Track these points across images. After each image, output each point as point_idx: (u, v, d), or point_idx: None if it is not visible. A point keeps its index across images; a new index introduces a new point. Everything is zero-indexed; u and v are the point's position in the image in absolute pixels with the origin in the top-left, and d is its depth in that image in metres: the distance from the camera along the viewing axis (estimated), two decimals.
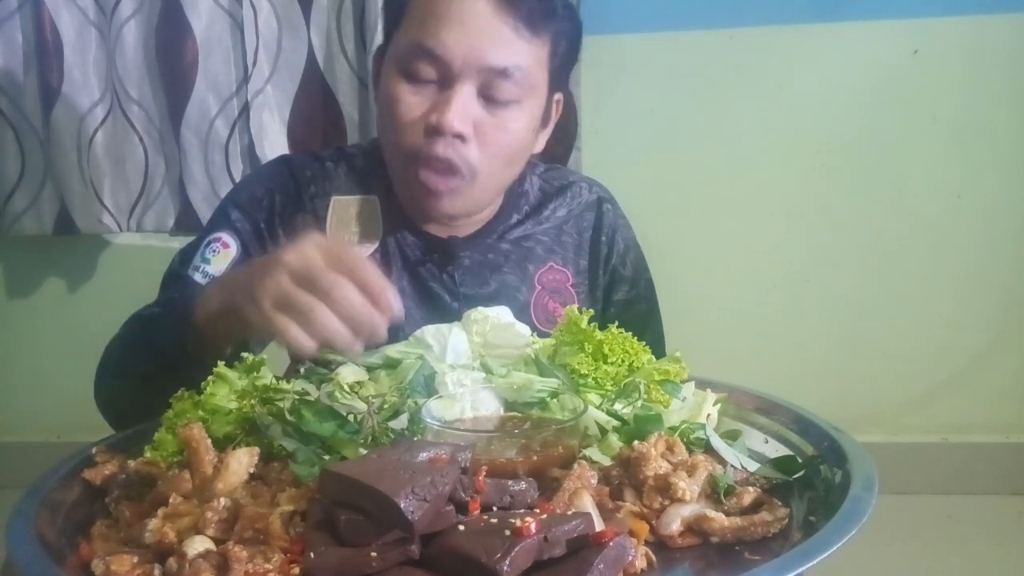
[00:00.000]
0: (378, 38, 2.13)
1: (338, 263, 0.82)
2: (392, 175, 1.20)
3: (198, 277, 1.17)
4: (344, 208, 1.17)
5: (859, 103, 2.25)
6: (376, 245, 1.19)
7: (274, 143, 2.26)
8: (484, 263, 1.24)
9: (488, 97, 1.10)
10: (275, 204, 1.23)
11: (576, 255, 1.29)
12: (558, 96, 1.23)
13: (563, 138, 2.14)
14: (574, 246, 1.29)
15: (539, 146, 1.23)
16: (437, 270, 1.23)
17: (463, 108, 1.08)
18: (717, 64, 2.26)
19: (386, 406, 0.84)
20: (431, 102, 1.10)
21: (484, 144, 1.11)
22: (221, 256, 1.19)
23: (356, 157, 1.28)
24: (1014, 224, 2.30)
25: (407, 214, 1.22)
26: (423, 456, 0.66)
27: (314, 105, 2.27)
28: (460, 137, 1.09)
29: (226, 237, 1.20)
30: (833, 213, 2.32)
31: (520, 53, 1.10)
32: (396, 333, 1.13)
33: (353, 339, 0.81)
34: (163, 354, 1.00)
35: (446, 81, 1.09)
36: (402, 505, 0.56)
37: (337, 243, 0.92)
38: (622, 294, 1.31)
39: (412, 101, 1.11)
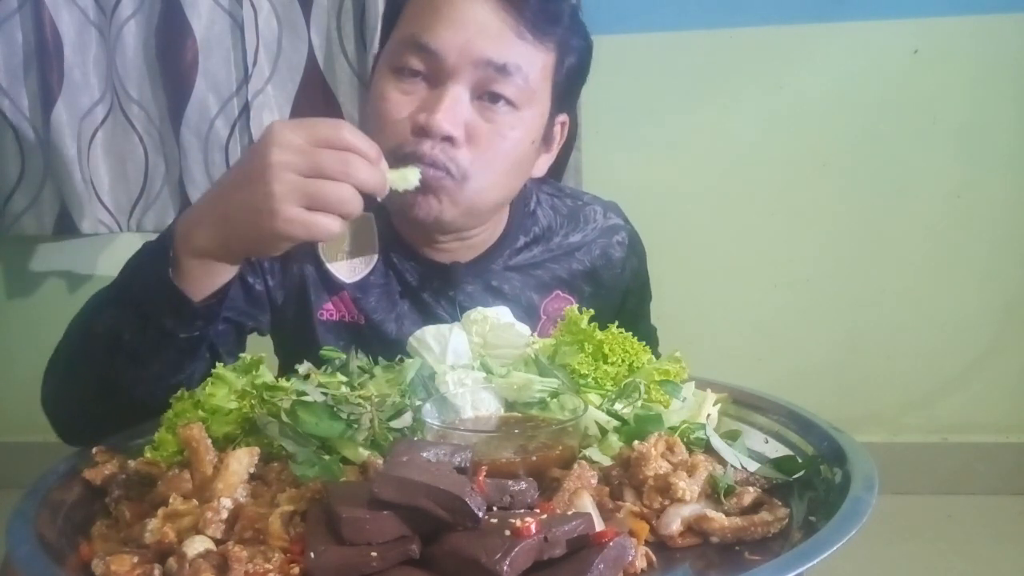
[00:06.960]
0: (378, 38, 2.13)
1: (326, 140, 0.82)
2: None
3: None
4: None
5: (859, 103, 2.25)
6: (373, 262, 1.15)
7: None
8: (488, 290, 1.17)
9: (483, 97, 1.02)
10: None
11: (583, 282, 1.23)
12: (563, 118, 1.15)
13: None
14: (583, 274, 1.23)
15: (539, 170, 1.15)
16: (438, 296, 1.16)
17: (454, 108, 1.00)
18: (717, 64, 2.26)
19: (388, 405, 0.84)
20: (420, 100, 1.03)
21: (477, 149, 1.03)
22: None
23: None
24: (1014, 224, 2.30)
25: (406, 239, 1.15)
26: (427, 455, 0.67)
27: (314, 105, 2.27)
28: (450, 140, 1.01)
29: None
30: (833, 213, 2.32)
31: (521, 54, 1.03)
32: (398, 341, 1.10)
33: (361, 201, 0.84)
34: (144, 316, 0.90)
35: (437, 78, 1.02)
36: (468, 500, 0.59)
37: (307, 124, 0.84)
38: (630, 305, 1.30)
39: (400, 99, 1.03)
